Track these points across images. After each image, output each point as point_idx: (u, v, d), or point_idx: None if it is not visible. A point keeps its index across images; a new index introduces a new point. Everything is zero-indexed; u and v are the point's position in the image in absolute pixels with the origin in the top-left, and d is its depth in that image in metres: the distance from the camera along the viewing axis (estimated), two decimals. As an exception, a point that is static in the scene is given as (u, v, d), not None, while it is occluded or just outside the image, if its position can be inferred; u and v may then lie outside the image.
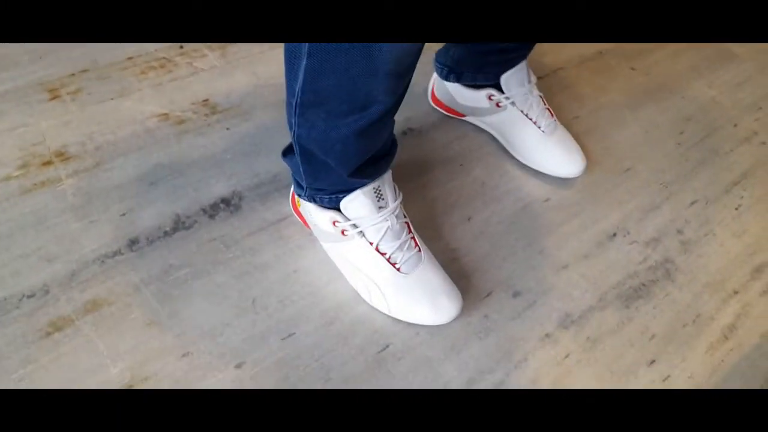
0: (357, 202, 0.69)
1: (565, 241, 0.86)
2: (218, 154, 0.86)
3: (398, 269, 0.71)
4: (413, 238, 0.73)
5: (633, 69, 1.16)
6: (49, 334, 0.66)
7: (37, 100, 0.87)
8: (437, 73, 0.95)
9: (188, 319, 0.70)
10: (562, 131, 0.94)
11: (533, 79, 0.92)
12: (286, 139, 0.89)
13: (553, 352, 0.75)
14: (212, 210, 0.80)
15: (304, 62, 0.53)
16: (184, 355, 0.67)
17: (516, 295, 0.79)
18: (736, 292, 0.85)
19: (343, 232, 0.72)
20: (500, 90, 0.91)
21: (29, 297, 0.68)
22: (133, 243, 0.75)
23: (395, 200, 0.72)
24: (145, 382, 0.65)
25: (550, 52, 1.15)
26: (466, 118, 0.98)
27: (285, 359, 0.69)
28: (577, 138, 1.00)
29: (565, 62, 1.14)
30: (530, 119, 0.92)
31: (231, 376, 0.67)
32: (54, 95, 0.88)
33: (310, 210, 0.74)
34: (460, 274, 0.79)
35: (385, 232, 0.70)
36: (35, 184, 0.78)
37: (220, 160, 0.86)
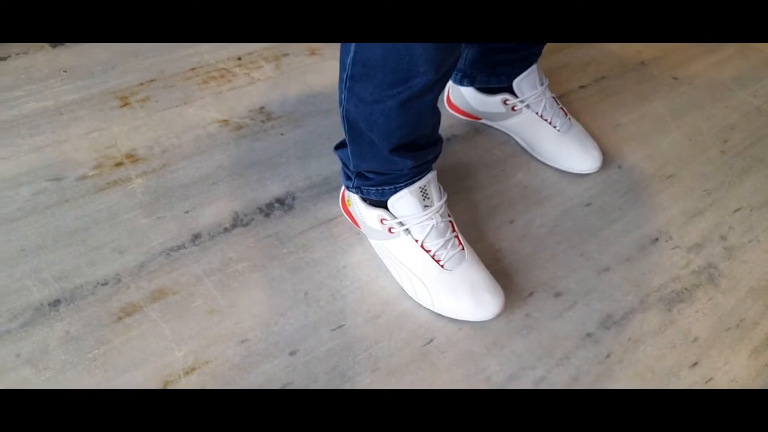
0: (403, 201, 0.73)
1: (607, 245, 0.88)
2: (273, 158, 0.92)
3: (442, 266, 0.75)
4: (457, 236, 0.77)
5: (676, 78, 1.17)
6: (120, 318, 0.72)
7: (109, 106, 0.94)
8: (451, 78, 0.99)
9: (246, 308, 0.75)
10: (577, 129, 0.97)
11: (545, 81, 0.95)
12: (336, 144, 0.95)
13: (594, 351, 0.77)
14: (268, 209, 0.85)
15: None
16: (242, 342, 0.72)
17: (557, 295, 0.81)
18: (781, 298, 0.85)
19: (390, 230, 0.76)
20: (514, 94, 0.94)
21: (103, 285, 0.75)
22: (196, 238, 0.80)
23: (440, 199, 0.75)
24: (206, 366, 0.70)
25: (592, 62, 1.17)
26: (483, 122, 1.02)
27: (335, 349, 0.73)
28: (619, 145, 1.02)
29: (607, 71, 1.16)
30: (545, 120, 0.95)
31: (285, 363, 0.71)
32: (125, 102, 0.95)
33: (360, 207, 0.78)
34: (503, 274, 0.82)
35: (430, 230, 0.74)
36: (108, 183, 0.85)
37: (275, 163, 0.91)
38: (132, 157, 0.88)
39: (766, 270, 0.88)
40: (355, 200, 0.79)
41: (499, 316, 0.75)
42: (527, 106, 0.95)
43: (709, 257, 0.88)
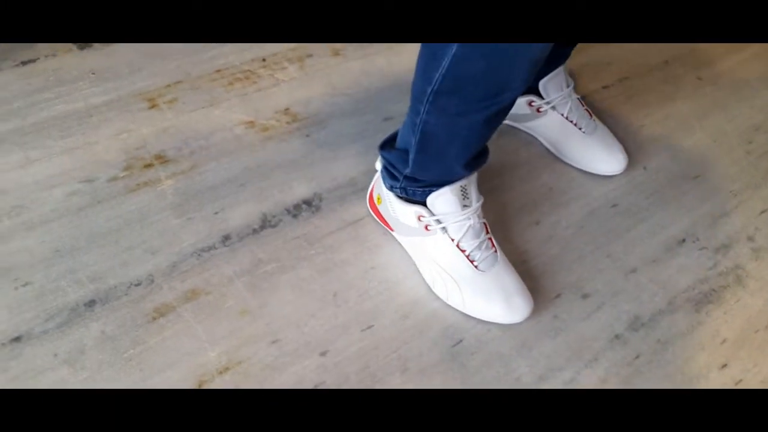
0: (443, 198, 0.74)
1: (633, 246, 0.88)
2: (299, 159, 0.92)
3: (476, 267, 0.75)
4: (490, 238, 0.77)
5: (700, 78, 1.16)
6: (154, 318, 0.73)
7: (137, 108, 0.96)
8: None
9: (276, 309, 0.76)
10: (602, 130, 0.97)
11: (571, 83, 0.95)
12: (361, 145, 0.95)
13: (623, 353, 0.77)
14: (295, 210, 0.86)
15: (453, 49, 0.56)
16: (273, 342, 0.73)
17: (585, 297, 0.81)
18: (810, 300, 0.84)
19: (426, 227, 0.76)
20: (540, 95, 0.94)
21: (136, 285, 0.76)
22: (226, 239, 0.81)
23: (478, 200, 0.76)
24: (239, 366, 0.70)
25: (616, 62, 1.17)
26: (507, 123, 1.01)
27: (365, 349, 0.74)
28: (644, 146, 1.02)
29: (630, 71, 1.15)
30: (571, 122, 0.95)
31: (316, 363, 0.72)
32: (152, 104, 0.96)
33: (395, 205, 0.78)
34: (530, 276, 0.82)
35: (467, 230, 0.75)
36: (138, 184, 0.86)
37: (301, 164, 0.92)
38: (161, 159, 0.89)
39: (794, 272, 0.87)
40: (389, 198, 0.79)
41: (527, 317, 0.76)
42: (553, 107, 0.95)
43: (737, 258, 0.88)
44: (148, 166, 0.88)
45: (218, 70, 1.04)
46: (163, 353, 0.70)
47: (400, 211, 0.78)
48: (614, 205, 0.93)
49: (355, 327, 0.75)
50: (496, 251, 0.77)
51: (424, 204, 0.76)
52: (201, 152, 0.91)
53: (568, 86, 0.95)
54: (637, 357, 0.76)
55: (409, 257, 0.82)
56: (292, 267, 0.80)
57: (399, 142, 0.76)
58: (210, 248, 0.80)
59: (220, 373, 0.69)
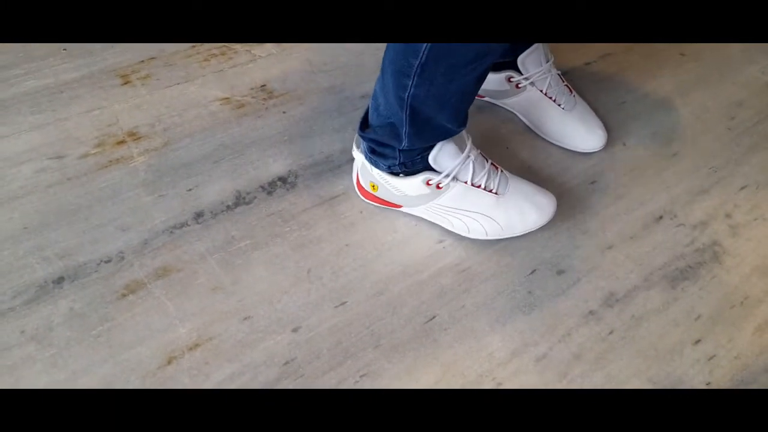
0: (444, 152, 0.75)
1: (611, 223, 0.87)
2: (275, 136, 0.91)
3: (496, 193, 0.78)
4: (492, 163, 0.80)
5: (683, 54, 1.15)
6: (124, 295, 0.72)
7: (110, 84, 0.94)
8: None
9: (249, 286, 0.75)
10: (582, 107, 0.96)
11: (550, 58, 0.94)
12: (338, 122, 0.94)
13: (597, 329, 0.77)
14: (270, 187, 0.85)
15: None
16: (245, 319, 0.72)
17: (560, 273, 0.81)
18: (786, 276, 0.84)
19: (438, 186, 0.77)
20: (518, 71, 0.93)
21: (106, 262, 0.75)
22: (198, 216, 0.80)
23: (468, 138, 0.78)
24: (210, 342, 0.70)
25: (598, 39, 1.16)
26: (486, 99, 1.00)
27: (338, 326, 0.73)
28: (625, 122, 1.01)
29: (612, 48, 1.14)
30: (550, 98, 0.94)
31: (288, 339, 0.71)
32: (125, 80, 0.95)
33: (395, 183, 0.78)
34: (506, 252, 0.82)
35: (473, 167, 0.77)
36: (110, 161, 0.84)
37: (277, 141, 0.90)
38: (134, 135, 0.88)
39: (771, 248, 0.87)
40: (387, 180, 0.79)
41: (501, 293, 0.75)
42: (532, 83, 0.94)
43: (714, 235, 0.88)
44: (121, 142, 0.87)
45: (193, 46, 1.02)
46: (132, 330, 0.69)
47: (406, 186, 0.78)
48: (593, 182, 0.92)
49: (329, 303, 0.75)
50: (501, 171, 0.80)
51: (426, 169, 0.76)
52: (175, 129, 0.90)
53: (547, 61, 0.93)
54: (611, 332, 0.76)
55: (386, 235, 0.81)
56: (265, 244, 0.79)
57: (377, 120, 0.74)
58: (182, 225, 0.79)
59: (190, 349, 0.69)
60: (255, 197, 0.83)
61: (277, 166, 0.87)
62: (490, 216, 0.79)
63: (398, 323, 0.74)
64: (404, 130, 0.71)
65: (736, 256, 0.86)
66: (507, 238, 0.83)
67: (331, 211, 0.84)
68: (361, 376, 0.70)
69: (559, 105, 0.94)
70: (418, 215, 0.82)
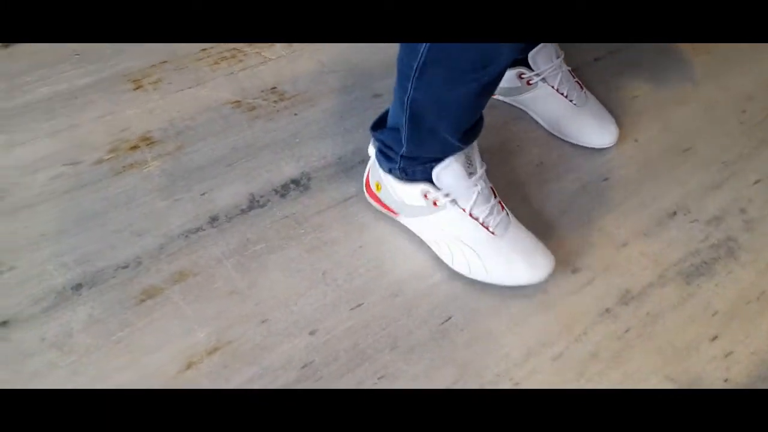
0: (449, 170, 0.72)
1: (625, 220, 0.87)
2: (287, 138, 0.91)
3: (492, 232, 0.74)
4: (500, 202, 0.77)
5: (693, 48, 1.15)
6: (142, 301, 0.73)
7: (122, 89, 0.94)
8: None
9: (265, 289, 0.75)
10: (593, 102, 0.96)
11: (561, 54, 0.94)
12: (350, 123, 0.94)
13: (613, 327, 0.77)
14: (283, 190, 0.85)
15: None
16: (263, 322, 0.73)
17: (575, 271, 0.81)
18: (802, 271, 0.84)
19: (434, 203, 0.75)
20: (529, 68, 0.93)
21: (123, 268, 0.75)
22: (213, 220, 0.81)
23: (482, 166, 0.75)
24: (228, 346, 0.70)
25: (607, 34, 1.15)
26: (497, 97, 1.00)
27: (354, 327, 0.74)
28: (636, 117, 1.00)
29: (622, 43, 1.14)
30: (561, 94, 0.94)
31: (305, 342, 0.72)
32: (137, 85, 0.95)
33: (396, 187, 0.76)
34: (520, 251, 0.82)
35: (477, 197, 0.73)
36: (124, 167, 0.85)
37: (290, 143, 0.91)
38: (147, 140, 0.88)
39: (786, 242, 0.87)
40: (389, 182, 0.77)
41: (517, 294, 0.76)
42: (543, 79, 0.93)
43: (729, 230, 0.88)
44: (134, 147, 0.87)
45: (204, 49, 1.02)
46: (151, 335, 0.70)
47: (404, 192, 0.76)
48: (605, 179, 0.92)
49: (345, 306, 0.75)
50: (507, 214, 0.77)
51: (427, 181, 0.74)
52: (187, 133, 0.90)
53: (557, 57, 0.93)
54: (627, 331, 0.76)
55: (400, 236, 0.82)
56: (280, 247, 0.79)
57: (390, 121, 0.74)
58: (198, 229, 0.80)
59: (209, 353, 0.69)
60: (269, 200, 0.84)
61: (290, 169, 0.88)
62: (478, 254, 0.75)
63: (414, 324, 0.75)
64: (404, 135, 0.70)
65: (751, 251, 0.86)
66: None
67: (345, 212, 0.84)
68: (378, 378, 0.70)
69: (571, 101, 0.94)
70: (411, 229, 0.80)
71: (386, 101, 0.97)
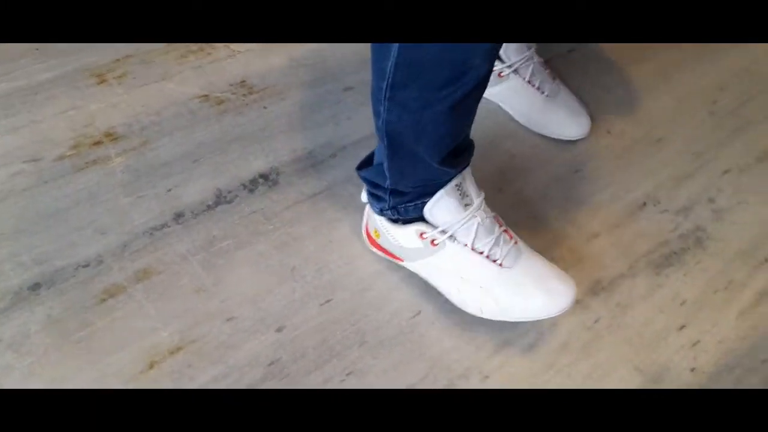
0: (441, 204, 0.67)
1: (596, 211, 0.87)
2: (256, 132, 0.90)
3: (500, 265, 0.68)
4: (506, 230, 0.71)
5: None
6: (103, 300, 0.71)
7: (85, 84, 0.92)
8: None
9: (232, 286, 0.74)
10: (565, 94, 0.95)
11: (532, 45, 0.93)
12: (321, 116, 0.93)
13: (583, 317, 0.76)
14: (252, 185, 0.84)
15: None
16: (228, 320, 0.71)
17: (546, 263, 0.81)
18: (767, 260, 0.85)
19: (432, 243, 0.69)
20: (500, 59, 0.92)
21: (84, 266, 0.73)
22: (179, 216, 0.79)
23: (479, 196, 0.69)
24: (193, 344, 0.69)
25: (580, 26, 1.15)
26: None
27: (323, 324, 0.73)
28: (608, 109, 1.00)
29: (595, 35, 1.14)
30: (533, 85, 0.94)
31: (272, 339, 0.71)
32: (101, 80, 0.93)
33: (391, 230, 0.72)
34: (491, 244, 0.81)
35: (477, 229, 0.68)
36: (87, 163, 0.83)
37: (258, 137, 0.89)
38: (111, 136, 0.86)
39: (754, 231, 0.88)
40: (384, 226, 0.72)
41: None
42: (515, 71, 0.93)
43: (698, 220, 0.88)
44: (97, 143, 0.85)
45: (170, 43, 1.00)
46: (112, 335, 0.68)
47: (400, 235, 0.71)
48: (577, 171, 0.92)
49: (314, 302, 0.74)
50: (516, 243, 0.70)
51: (421, 220, 0.70)
52: (153, 128, 0.88)
53: (529, 49, 0.93)
54: (597, 321, 0.76)
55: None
56: (248, 243, 0.78)
57: (376, 158, 0.70)
58: (162, 226, 0.78)
59: (172, 353, 0.68)
60: (236, 196, 0.82)
61: (259, 164, 0.86)
62: (488, 290, 0.68)
63: (384, 319, 0.74)
64: (386, 165, 0.65)
65: (720, 240, 0.86)
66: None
67: (315, 207, 0.83)
68: (347, 375, 0.69)
69: (543, 92, 0.94)
70: (417, 273, 0.75)
71: (358, 94, 0.97)
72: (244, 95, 0.94)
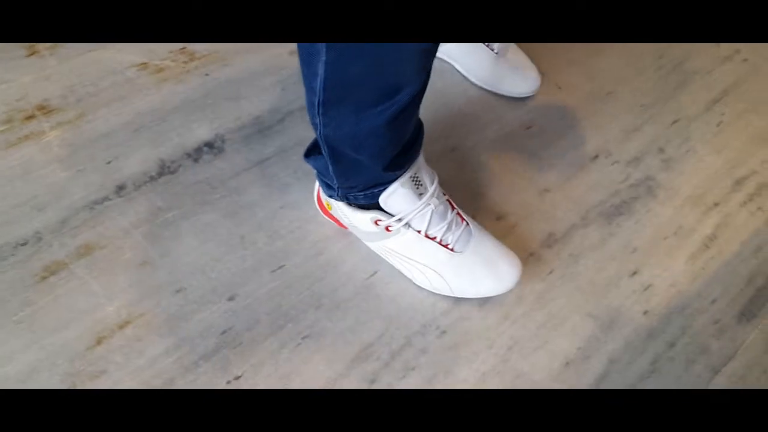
0: (397, 195, 0.66)
1: (548, 166, 0.87)
2: (199, 100, 0.87)
3: (452, 249, 0.69)
4: (458, 213, 0.71)
5: (613, -6, 1.15)
6: (44, 278, 0.68)
7: (15, 56, 0.87)
8: None
9: (179, 257, 0.72)
10: (514, 51, 0.95)
11: None
12: (267, 81, 0.90)
13: (537, 269, 0.77)
14: (196, 154, 0.81)
15: (323, 57, 0.48)
16: (178, 291, 0.69)
17: (499, 218, 0.81)
18: (716, 204, 0.86)
19: (387, 229, 0.69)
20: None
21: (23, 245, 0.70)
22: (120, 189, 0.76)
23: (433, 183, 0.68)
24: (141, 318, 0.67)
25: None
26: None
27: (276, 289, 0.71)
28: (559, 66, 1.00)
29: (543, -9, 1.13)
30: (483, 43, 0.93)
31: (224, 308, 0.69)
32: (32, 51, 0.88)
33: (346, 212, 0.70)
34: (444, 202, 0.81)
35: (431, 217, 0.68)
36: (20, 138, 0.79)
37: (202, 105, 0.86)
38: (44, 109, 0.82)
39: (701, 179, 0.89)
40: (338, 205, 0.71)
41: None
42: None
43: (647, 170, 0.89)
44: (30, 117, 0.81)
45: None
46: (55, 313, 0.66)
47: (354, 218, 0.70)
48: (528, 127, 0.92)
49: (266, 268, 0.73)
50: (467, 225, 0.71)
51: (376, 208, 0.68)
52: (89, 99, 0.84)
53: (475, 6, 0.91)
54: (551, 272, 0.77)
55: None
56: (194, 213, 0.76)
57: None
58: (103, 200, 0.75)
59: (121, 327, 0.66)
60: (180, 165, 0.79)
61: (203, 132, 0.83)
62: (440, 273, 0.70)
63: (339, 282, 0.73)
64: (331, 169, 0.64)
65: (669, 188, 0.87)
66: (448, 187, 0.82)
67: (263, 174, 0.81)
68: (302, 338, 0.68)
69: (492, 50, 0.93)
70: (373, 250, 0.75)
71: (303, 58, 0.94)
72: (184, 62, 0.91)
